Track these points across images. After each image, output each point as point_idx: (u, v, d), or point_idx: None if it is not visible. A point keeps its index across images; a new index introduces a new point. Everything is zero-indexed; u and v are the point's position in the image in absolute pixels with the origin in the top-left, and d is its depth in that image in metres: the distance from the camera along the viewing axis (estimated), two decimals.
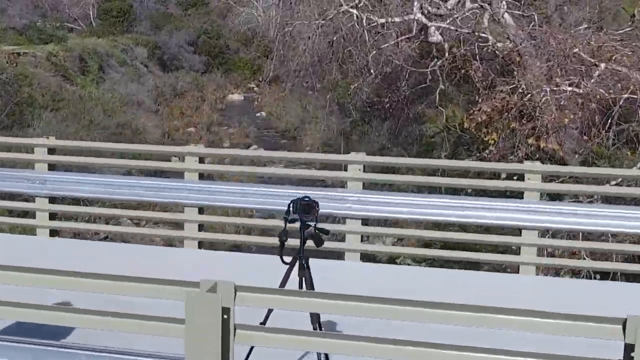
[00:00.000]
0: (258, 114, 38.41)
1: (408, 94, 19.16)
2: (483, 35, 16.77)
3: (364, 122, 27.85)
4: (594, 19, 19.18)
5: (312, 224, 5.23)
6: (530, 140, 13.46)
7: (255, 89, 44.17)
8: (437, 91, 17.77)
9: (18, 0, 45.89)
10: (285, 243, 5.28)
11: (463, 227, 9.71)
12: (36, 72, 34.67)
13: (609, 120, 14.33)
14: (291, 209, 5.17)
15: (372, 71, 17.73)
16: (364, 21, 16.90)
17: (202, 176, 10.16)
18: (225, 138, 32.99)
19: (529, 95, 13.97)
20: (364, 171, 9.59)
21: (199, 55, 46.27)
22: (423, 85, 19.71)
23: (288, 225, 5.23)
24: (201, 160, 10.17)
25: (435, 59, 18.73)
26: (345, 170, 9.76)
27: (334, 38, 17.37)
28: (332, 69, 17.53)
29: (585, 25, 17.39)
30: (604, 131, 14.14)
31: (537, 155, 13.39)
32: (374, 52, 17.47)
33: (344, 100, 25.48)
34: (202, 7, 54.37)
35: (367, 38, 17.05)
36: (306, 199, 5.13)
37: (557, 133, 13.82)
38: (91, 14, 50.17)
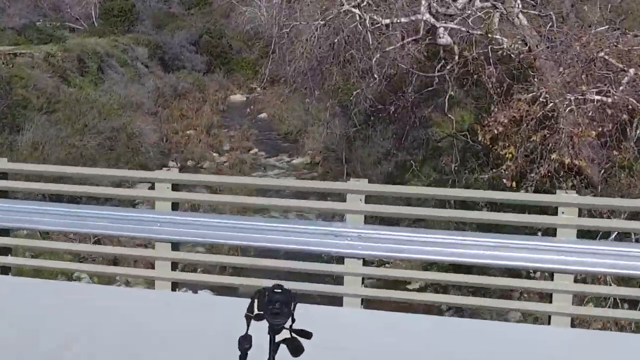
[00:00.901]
0: (260, 116, 36.66)
1: (414, 97, 17.40)
2: (496, 37, 15.00)
3: (368, 125, 26.15)
4: (615, 19, 17.41)
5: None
6: (553, 156, 11.70)
7: (258, 89, 42.39)
8: (447, 98, 15.99)
9: None
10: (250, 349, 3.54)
11: (484, 270, 7.97)
12: (33, 73, 33.06)
13: (637, 131, 12.59)
14: (255, 304, 3.42)
15: (375, 75, 15.95)
16: (367, 22, 15.12)
17: (175, 206, 8.43)
18: (225, 141, 31.29)
19: (551, 104, 12.21)
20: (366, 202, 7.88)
21: (201, 55, 44.55)
22: (430, 89, 18.00)
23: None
24: (175, 187, 8.43)
25: (443, 61, 17.01)
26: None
27: (335, 40, 15.57)
28: (332, 74, 15.73)
29: (607, 26, 15.58)
30: (632, 143, 12.37)
31: (561, 173, 11.67)
32: (378, 55, 15.69)
33: (347, 102, 23.78)
34: (205, 6, 52.66)
35: (370, 40, 15.27)
36: (277, 290, 3.37)
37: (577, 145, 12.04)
38: (93, 13, 48.50)
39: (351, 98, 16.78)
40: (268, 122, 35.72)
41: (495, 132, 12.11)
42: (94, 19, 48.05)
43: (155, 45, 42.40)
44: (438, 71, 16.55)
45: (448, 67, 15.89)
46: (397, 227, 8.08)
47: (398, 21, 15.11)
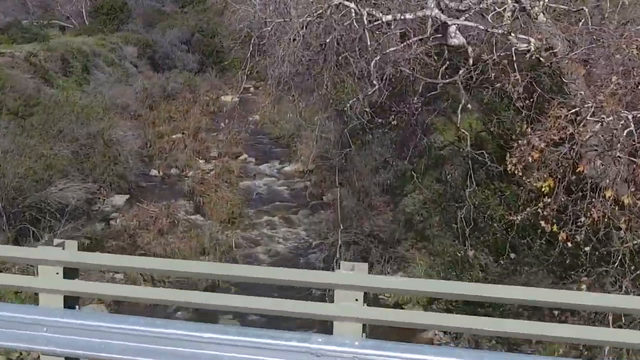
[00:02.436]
0: (251, 118, 33.24)
1: (417, 104, 14.20)
2: (521, 36, 11.77)
3: (365, 131, 22.92)
4: None
5: None
6: (608, 194, 8.50)
7: (252, 89, 38.93)
8: (459, 109, 12.76)
9: None
10: None
11: None
12: (12, 73, 29.81)
13: None
14: None
15: (374, 82, 12.69)
16: (364, 18, 11.85)
17: (71, 301, 5.23)
18: (213, 146, 27.99)
19: (600, 124, 9.01)
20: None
21: (192, 54, 41.17)
22: (433, 93, 14.83)
23: None
24: (70, 273, 5.22)
25: (447, 62, 13.83)
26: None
27: (326, 40, 12.29)
28: (323, 81, 12.48)
29: None
30: None
31: (622, 219, 8.50)
32: (378, 57, 12.41)
33: (342, 106, 20.59)
34: (199, 4, 49.26)
35: (368, 40, 12.02)
36: None
37: None
38: (84, 11, 45.11)
39: (345, 109, 13.49)
40: (260, 124, 32.35)
41: (530, 159, 8.89)
42: (85, 17, 44.69)
43: (145, 44, 39.08)
44: (448, 77, 13.36)
45: (460, 73, 12.65)
46: (412, 346, 4.82)
47: (402, 17, 11.85)
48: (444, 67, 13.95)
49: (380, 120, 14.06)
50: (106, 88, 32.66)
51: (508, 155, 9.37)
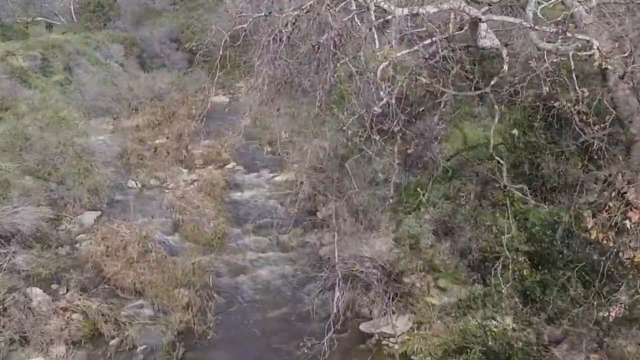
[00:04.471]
0: (241, 121, 29.63)
1: (440, 125, 10.80)
2: (581, 37, 8.37)
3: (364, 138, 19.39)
4: None
5: None
6: None
7: (243, 89, 35.29)
8: (492, 130, 9.34)
9: None
10: None
11: None
12: None
13: None
14: None
15: (382, 94, 9.28)
16: (371, 13, 8.46)
17: None
18: (199, 153, 24.46)
19: None
20: None
21: (182, 52, 37.52)
22: (442, 99, 11.42)
23: None
24: None
25: (458, 65, 10.45)
26: None
27: (321, 40, 8.88)
28: (317, 95, 9.05)
29: None
30: None
31: None
32: (387, 62, 8.98)
33: (339, 111, 17.16)
34: (191, 0, 45.56)
35: (376, 41, 8.61)
36: None
37: None
38: (72, 8, 41.48)
39: (344, 127, 10.06)
40: (250, 128, 28.78)
41: (628, 224, 5.54)
42: (73, 15, 41.05)
43: (132, 42, 35.50)
44: (474, 88, 9.95)
45: (493, 83, 9.23)
46: None
47: (424, 11, 8.42)
48: (453, 70, 10.58)
49: (387, 144, 10.67)
50: (88, 88, 29.17)
51: (591, 215, 5.97)
